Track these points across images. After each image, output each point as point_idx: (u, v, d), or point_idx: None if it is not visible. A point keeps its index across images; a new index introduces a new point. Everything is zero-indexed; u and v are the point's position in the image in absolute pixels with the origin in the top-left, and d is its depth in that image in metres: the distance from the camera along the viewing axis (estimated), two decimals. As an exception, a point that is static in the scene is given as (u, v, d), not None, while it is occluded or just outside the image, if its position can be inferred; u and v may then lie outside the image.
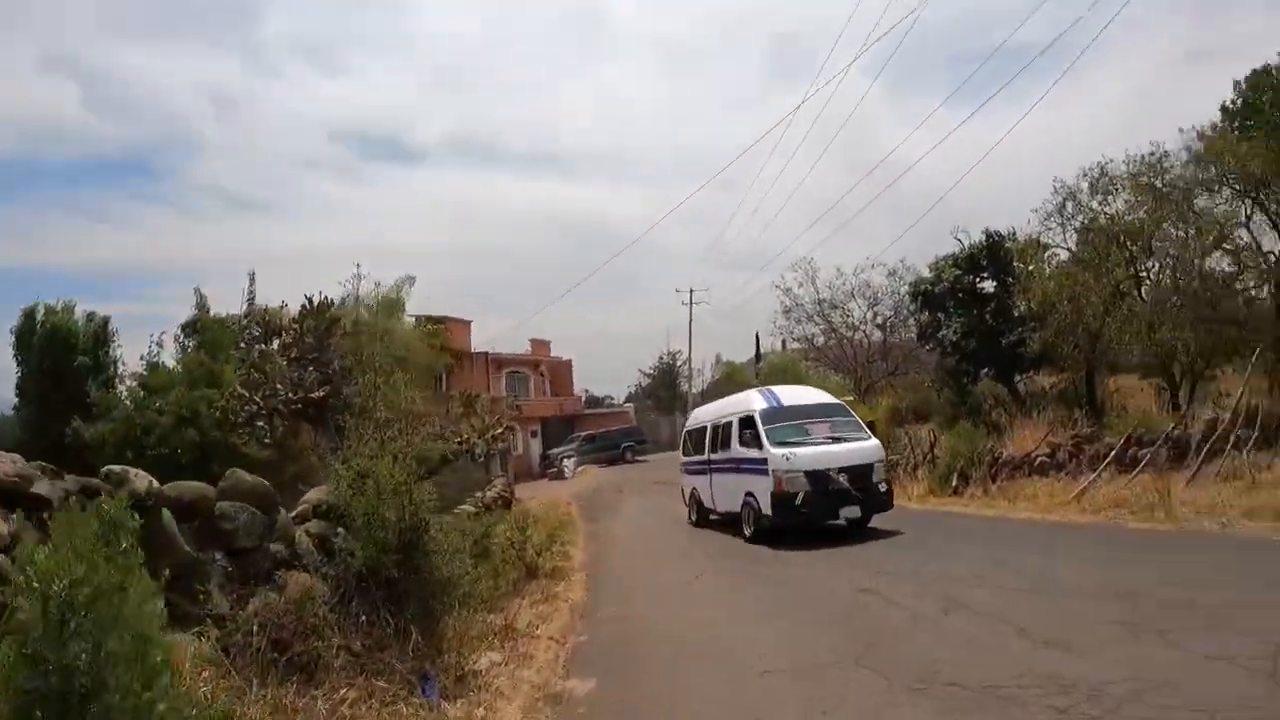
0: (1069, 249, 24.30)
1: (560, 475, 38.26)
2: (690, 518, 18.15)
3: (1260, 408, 14.47)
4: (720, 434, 16.27)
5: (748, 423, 14.81)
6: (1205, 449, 14.19)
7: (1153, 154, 22.19)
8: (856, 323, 35.16)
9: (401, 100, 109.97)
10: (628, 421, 53.09)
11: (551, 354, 53.89)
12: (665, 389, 60.93)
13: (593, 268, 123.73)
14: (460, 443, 15.64)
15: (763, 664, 6.59)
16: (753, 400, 15.67)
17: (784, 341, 41.09)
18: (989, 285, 27.09)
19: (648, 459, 43.20)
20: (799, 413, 15.02)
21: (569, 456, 40.93)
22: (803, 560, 11.78)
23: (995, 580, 8.89)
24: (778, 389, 16.63)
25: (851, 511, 13.43)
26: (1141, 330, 20.57)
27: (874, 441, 14.61)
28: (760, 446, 14.02)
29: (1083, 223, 23.67)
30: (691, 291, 53.16)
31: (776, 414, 14.79)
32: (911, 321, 31.17)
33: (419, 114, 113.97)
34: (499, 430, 17.68)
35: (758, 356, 48.01)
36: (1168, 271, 22.15)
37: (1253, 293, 21.42)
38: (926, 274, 29.11)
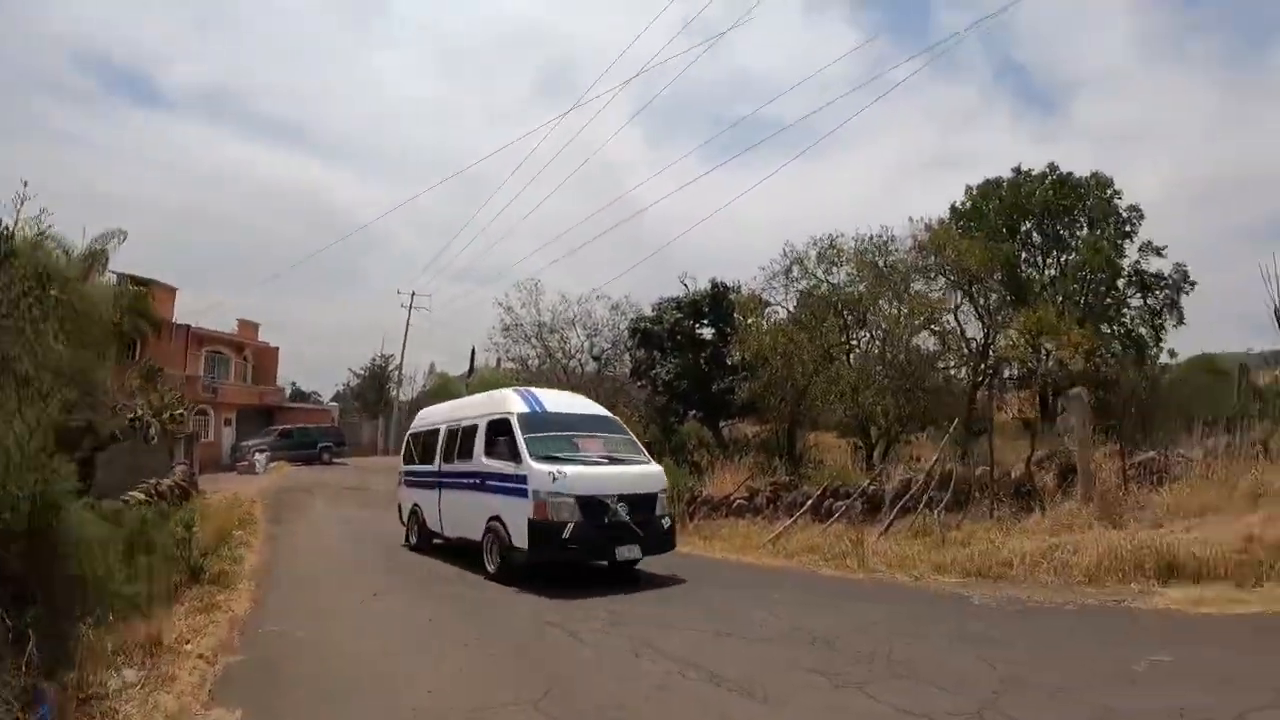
0: (788, 309, 25.10)
1: (251, 469, 34.78)
2: (408, 540, 14.90)
3: (954, 472, 14.80)
4: (459, 440, 13.19)
5: (500, 428, 11.82)
6: (899, 506, 14.35)
7: (881, 236, 23.88)
8: (573, 350, 34.11)
9: (163, 33, 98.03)
10: (329, 420, 49.82)
11: (259, 338, 48.73)
12: (374, 391, 57.73)
13: (323, 256, 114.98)
14: (132, 420, 14.27)
15: (431, 701, 5.89)
16: (509, 401, 12.37)
17: (499, 359, 39.40)
18: (708, 332, 27.50)
19: (345, 462, 40.56)
20: (565, 422, 12.22)
21: (262, 450, 37.12)
22: (493, 589, 10.79)
23: (688, 621, 8.42)
24: (539, 391, 13.30)
25: (630, 551, 10.89)
26: (846, 392, 21.24)
27: (656, 466, 12.22)
28: (517, 460, 11.03)
29: (806, 287, 24.65)
30: (413, 295, 50.29)
31: (539, 421, 11.85)
32: (627, 357, 30.77)
33: (178, 54, 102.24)
34: (179, 411, 15.99)
35: (471, 370, 45.89)
36: (877, 342, 23.33)
37: (952, 371, 23.15)
38: (649, 313, 28.87)
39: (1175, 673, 5.86)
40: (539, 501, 10.50)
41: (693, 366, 26.10)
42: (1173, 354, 30.24)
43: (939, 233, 24.22)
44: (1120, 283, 31.13)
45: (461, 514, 12.70)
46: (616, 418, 13.67)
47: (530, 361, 34.67)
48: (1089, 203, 30.83)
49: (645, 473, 11.63)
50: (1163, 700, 5.14)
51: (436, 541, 13.79)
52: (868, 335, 23.75)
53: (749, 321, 24.78)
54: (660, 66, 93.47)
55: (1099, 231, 30.80)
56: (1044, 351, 22.92)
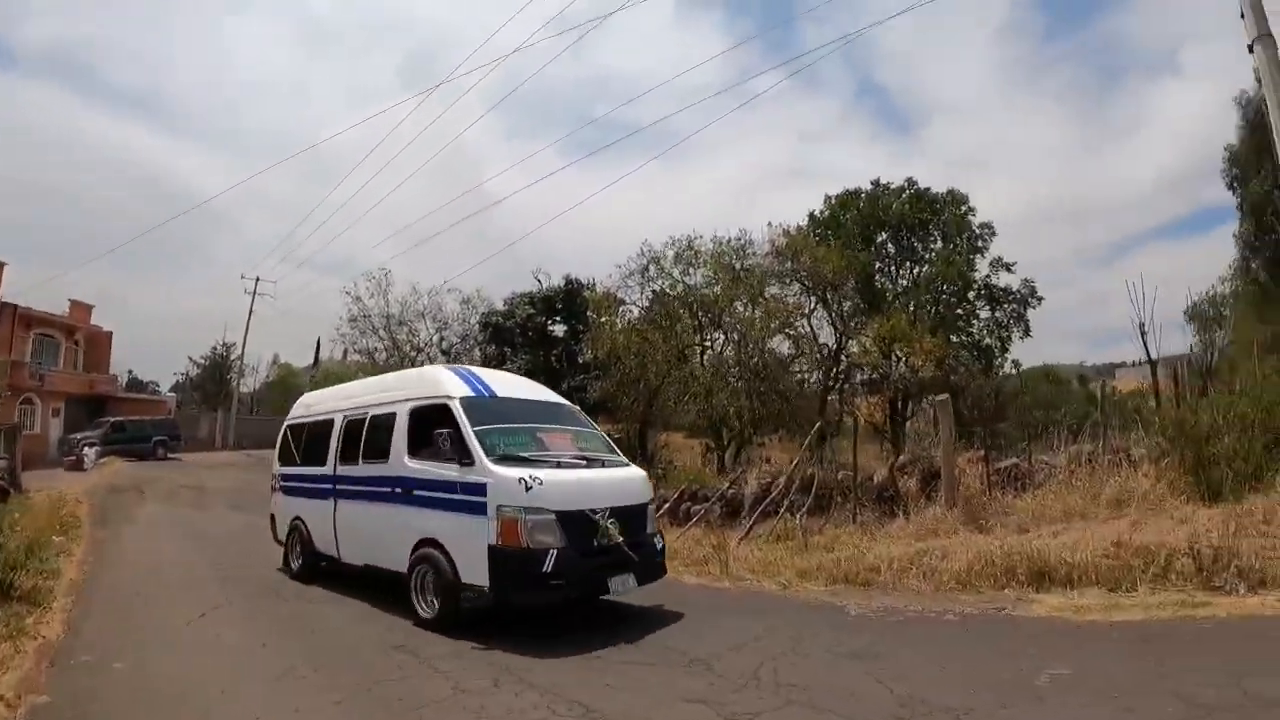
0: (643, 308, 24.33)
1: (79, 465, 31.61)
2: (289, 564, 11.31)
3: (815, 476, 14.32)
4: (364, 435, 9.79)
5: (430, 418, 8.60)
6: (759, 510, 13.76)
7: (739, 240, 23.55)
8: (422, 344, 32.74)
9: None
10: (165, 413, 45.75)
11: (92, 321, 44.28)
12: (214, 382, 54.00)
13: (166, 233, 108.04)
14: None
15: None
16: (442, 381, 9.12)
17: (345, 351, 37.47)
18: (560, 329, 26.75)
19: (180, 458, 37.03)
20: (522, 411, 9.15)
21: (91, 444, 33.64)
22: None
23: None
24: (479, 371, 9.90)
25: (625, 583, 7.92)
26: (700, 393, 20.74)
27: (640, 470, 9.36)
28: (465, 461, 7.87)
29: (662, 287, 24.00)
30: (257, 280, 47.18)
31: (488, 409, 8.70)
32: (477, 352, 29.68)
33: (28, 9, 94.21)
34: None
35: (316, 361, 43.43)
36: (732, 344, 22.80)
37: (805, 375, 22.91)
38: (501, 307, 27.79)
39: (1078, 686, 5.45)
40: (506, 520, 7.39)
41: (544, 363, 25.33)
42: (1016, 364, 31.33)
43: (796, 239, 24.10)
44: (971, 295, 31.85)
45: (371, 534, 9.27)
46: (576, 406, 10.58)
47: (378, 354, 33.23)
48: (944, 218, 31.45)
49: (630, 477, 8.83)
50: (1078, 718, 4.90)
51: (324, 565, 10.60)
52: (723, 337, 23.32)
53: (602, 319, 24.02)
54: (524, 61, 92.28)
55: (952, 245, 31.46)
56: (895, 358, 23.00)
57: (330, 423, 10.75)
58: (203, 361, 56.73)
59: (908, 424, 26.04)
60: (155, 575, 11.42)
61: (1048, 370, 24.37)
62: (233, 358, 52.98)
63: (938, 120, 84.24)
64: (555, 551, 7.30)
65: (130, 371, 55.09)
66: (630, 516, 8.13)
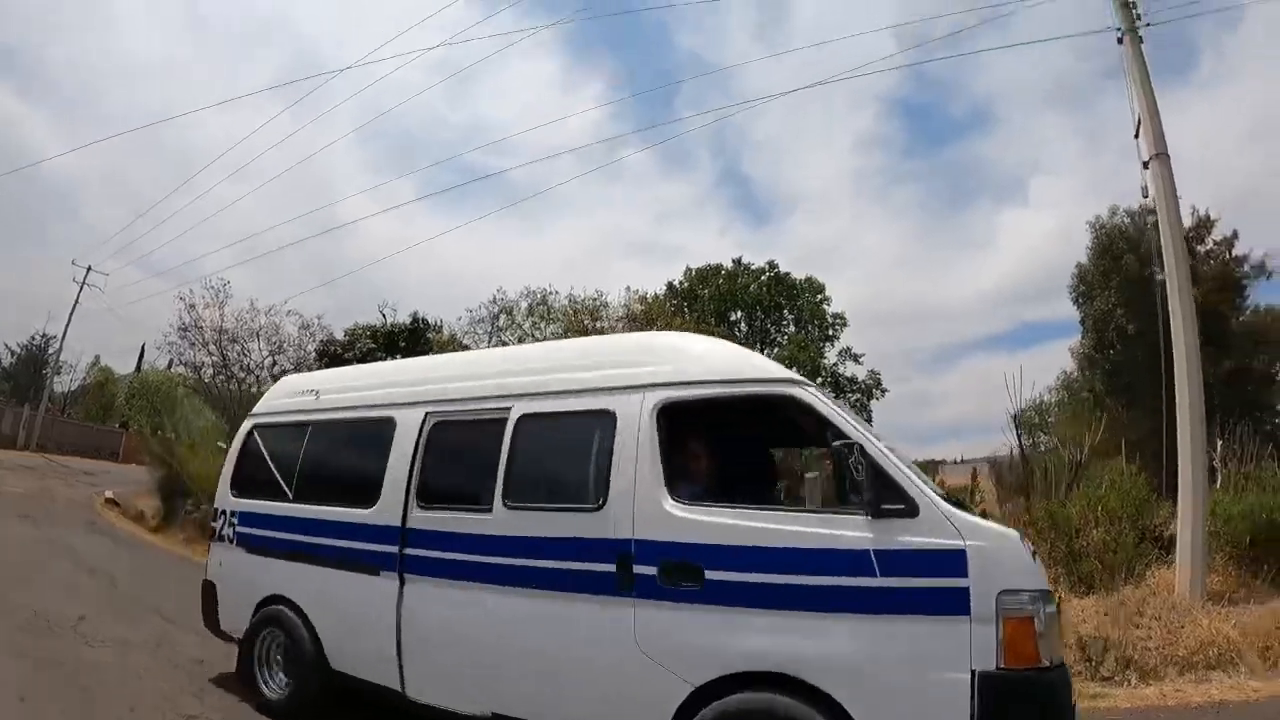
0: None
1: None
2: (256, 681, 6.48)
3: None
4: (512, 451, 5.20)
5: (729, 423, 5.36)
6: None
7: (595, 300, 24.00)
8: (253, 365, 30.90)
9: None
10: None
11: None
12: (28, 375, 48.77)
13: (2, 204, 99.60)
14: None
15: None
16: (748, 359, 4.94)
17: (171, 361, 35.00)
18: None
19: None
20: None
21: None
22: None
23: None
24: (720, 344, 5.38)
25: None
26: None
27: None
28: (894, 506, 3.94)
29: (513, 339, 23.71)
30: (88, 270, 43.69)
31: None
32: (311, 382, 28.21)
33: None
34: None
35: (139, 368, 40.34)
36: None
37: None
38: (341, 337, 26.55)
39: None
40: (1016, 621, 3.76)
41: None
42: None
43: (653, 306, 24.24)
44: (819, 382, 32.51)
45: (540, 663, 4.85)
46: None
47: (204, 370, 31.17)
48: (800, 303, 32.25)
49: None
50: None
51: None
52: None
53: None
54: (396, 91, 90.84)
55: (805, 331, 32.26)
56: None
57: (384, 424, 6.13)
58: (18, 350, 51.46)
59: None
60: None
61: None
62: (51, 350, 48.62)
63: (795, 213, 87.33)
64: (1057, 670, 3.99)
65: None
66: None
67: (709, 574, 4.20)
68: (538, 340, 22.68)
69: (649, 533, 4.44)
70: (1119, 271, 23.83)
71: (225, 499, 7.26)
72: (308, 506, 6.51)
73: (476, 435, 5.52)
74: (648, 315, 23.44)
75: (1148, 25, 12.01)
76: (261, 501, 6.92)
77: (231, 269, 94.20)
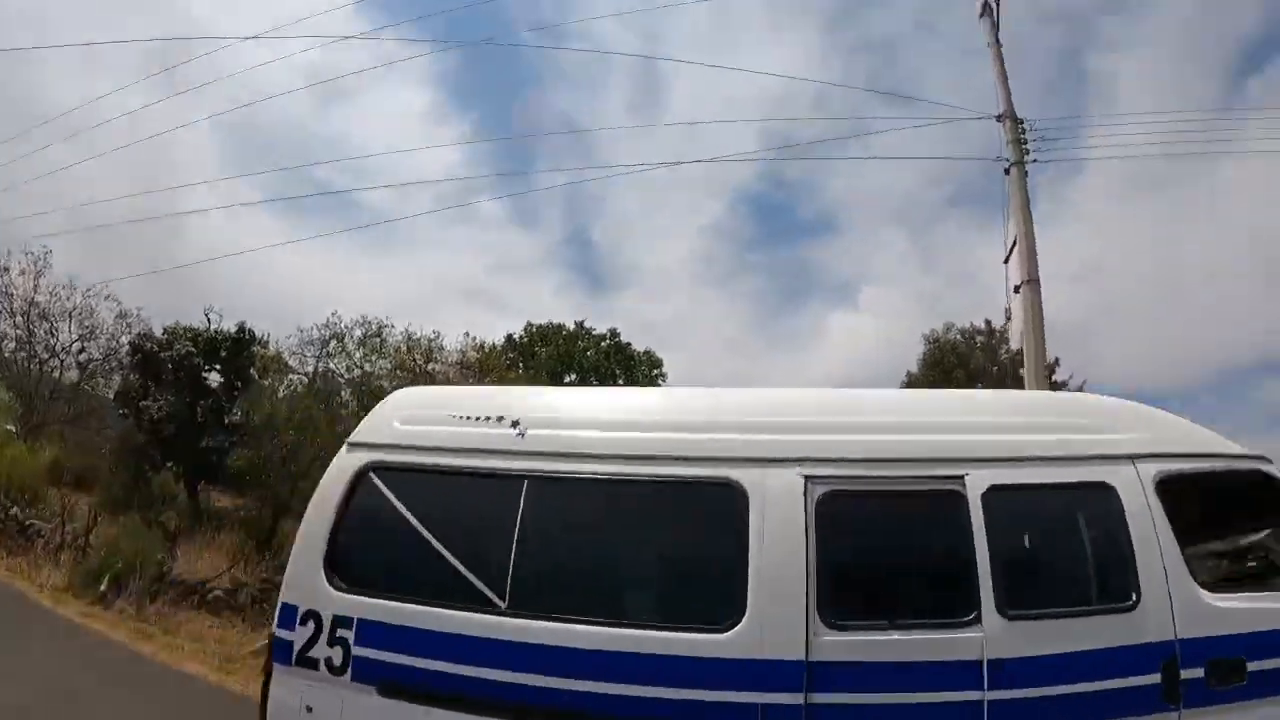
0: (312, 381, 23.21)
1: None
2: None
3: None
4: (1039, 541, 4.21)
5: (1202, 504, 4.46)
6: None
7: (432, 339, 24.03)
8: (59, 347, 28.84)
9: None
10: None
11: None
12: None
13: None
14: None
15: None
16: (1207, 437, 4.34)
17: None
18: (216, 379, 24.27)
19: None
20: None
21: None
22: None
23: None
24: None
25: None
26: None
27: None
28: None
29: (338, 365, 23.35)
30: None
31: None
32: (117, 377, 26.53)
33: None
34: None
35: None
36: None
37: None
38: (159, 334, 25.10)
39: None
40: None
41: (189, 411, 22.62)
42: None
43: (491, 357, 24.25)
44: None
45: None
46: None
47: (5, 344, 28.86)
48: (636, 374, 32.94)
49: None
50: None
51: None
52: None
53: (267, 382, 22.49)
54: (263, 87, 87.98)
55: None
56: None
57: (717, 491, 4.11)
58: None
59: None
60: None
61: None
62: None
63: (635, 286, 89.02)
64: None
65: None
66: None
67: (1251, 666, 3.72)
68: (363, 372, 22.24)
69: (1191, 629, 3.74)
70: (949, 384, 25.63)
71: (315, 590, 4.42)
72: (543, 624, 3.95)
73: (910, 512, 4.13)
74: (483, 365, 23.45)
75: (1034, 160, 13.35)
76: (422, 606, 4.19)
77: (51, 237, 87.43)
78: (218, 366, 23.68)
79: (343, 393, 21.83)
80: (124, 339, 27.65)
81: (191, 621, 12.80)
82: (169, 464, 23.32)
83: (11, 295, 28.24)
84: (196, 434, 22.54)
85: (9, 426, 24.57)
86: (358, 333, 22.83)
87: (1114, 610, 3.73)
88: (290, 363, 23.15)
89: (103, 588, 13.46)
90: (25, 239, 31.75)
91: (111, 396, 26.82)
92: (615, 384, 33.18)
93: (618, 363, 32.46)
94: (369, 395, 21.54)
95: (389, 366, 22.43)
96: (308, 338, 23.01)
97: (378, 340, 22.57)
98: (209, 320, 24.16)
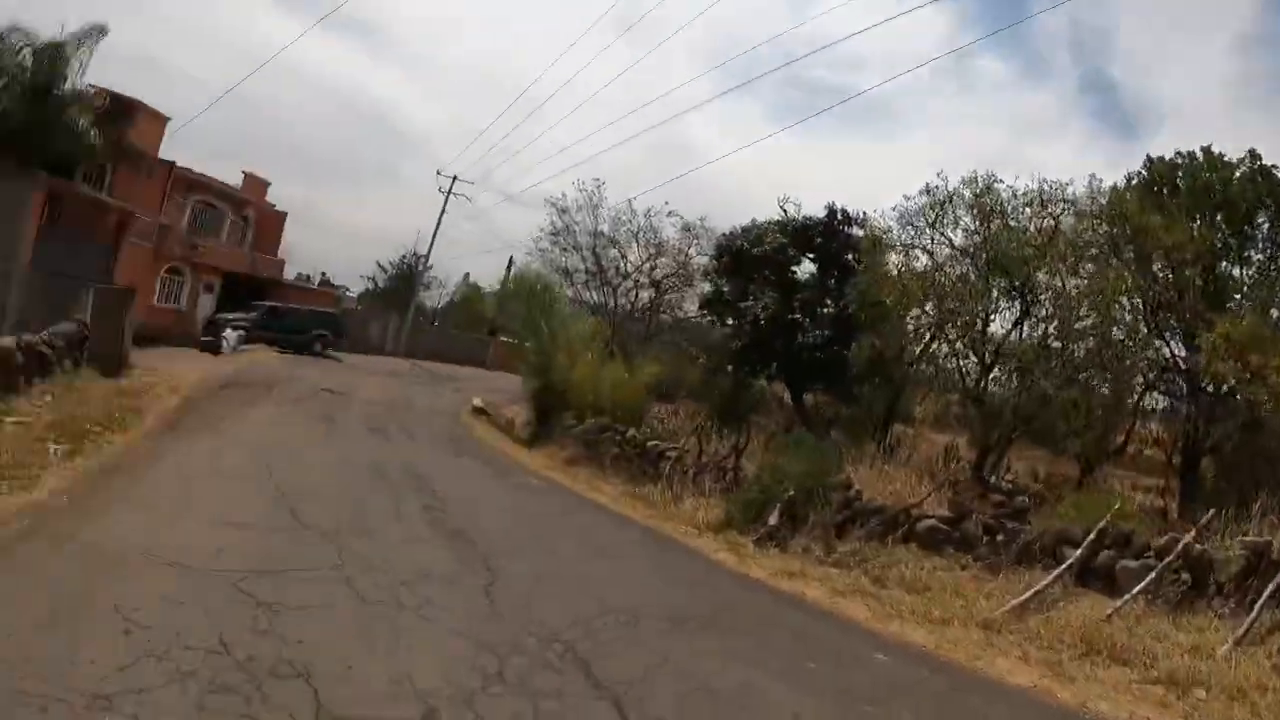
0: (936, 256, 19.12)
1: (215, 348, 27.76)
2: None
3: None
4: None
5: None
6: (1268, 589, 7.42)
7: (1046, 191, 18.52)
8: (630, 269, 29.05)
9: None
10: (330, 304, 41.82)
11: (267, 199, 39.94)
12: (403, 290, 51.34)
13: (358, 154, 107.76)
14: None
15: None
16: None
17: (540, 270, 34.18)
18: (806, 272, 22.18)
19: (340, 358, 33.47)
20: None
21: (238, 327, 30.05)
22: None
23: None
24: None
25: None
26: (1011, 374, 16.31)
27: None
28: None
29: (961, 240, 19.02)
30: (454, 180, 44.07)
31: None
32: (707, 284, 25.72)
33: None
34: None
35: (507, 278, 39.76)
36: (1044, 325, 17.69)
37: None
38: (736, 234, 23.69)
39: None
40: None
41: (784, 311, 20.80)
42: None
43: (1130, 202, 18.63)
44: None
45: None
46: None
47: (577, 275, 29.66)
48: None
49: None
50: None
51: None
52: (1019, 311, 18.05)
53: (886, 263, 19.10)
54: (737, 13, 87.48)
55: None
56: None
57: None
58: (391, 268, 55.34)
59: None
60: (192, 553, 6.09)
61: None
62: (421, 268, 51.09)
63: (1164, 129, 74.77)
64: None
65: (324, 274, 52.41)
66: None
67: None
68: (984, 239, 18.06)
69: None
70: None
71: None
72: None
73: None
74: (1114, 211, 18.25)
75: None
76: None
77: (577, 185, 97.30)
78: (811, 256, 21.43)
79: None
80: (691, 249, 27.48)
81: (901, 563, 9.44)
82: (768, 369, 21.95)
83: (574, 231, 29.10)
84: (791, 333, 20.93)
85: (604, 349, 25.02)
86: (966, 193, 18.53)
87: None
88: (900, 240, 19.58)
89: (770, 522, 10.74)
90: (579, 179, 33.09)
91: (696, 306, 26.82)
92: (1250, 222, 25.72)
93: (1263, 191, 24.85)
94: (995, 267, 17.64)
95: (1001, 228, 17.92)
96: (907, 212, 19.26)
97: (991, 196, 18.20)
98: (784, 212, 22.14)
